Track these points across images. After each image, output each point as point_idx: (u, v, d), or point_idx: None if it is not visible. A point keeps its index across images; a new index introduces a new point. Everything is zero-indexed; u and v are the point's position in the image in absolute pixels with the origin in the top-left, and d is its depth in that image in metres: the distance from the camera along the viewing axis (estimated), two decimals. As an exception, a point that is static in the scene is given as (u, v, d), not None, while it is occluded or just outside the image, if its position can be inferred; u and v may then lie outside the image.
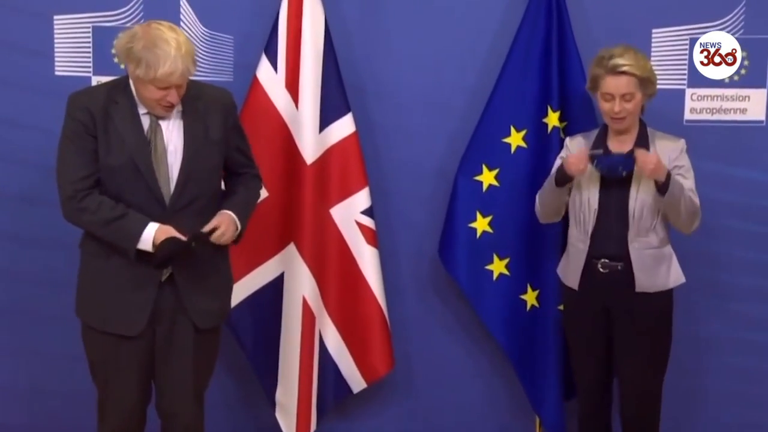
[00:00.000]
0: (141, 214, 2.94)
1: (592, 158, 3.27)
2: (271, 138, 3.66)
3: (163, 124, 2.99)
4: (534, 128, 3.70)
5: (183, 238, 2.91)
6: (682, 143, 3.38)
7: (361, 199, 3.74)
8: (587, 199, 3.36)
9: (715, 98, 3.76)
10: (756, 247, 3.82)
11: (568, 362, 3.67)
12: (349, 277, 3.76)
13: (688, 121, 3.77)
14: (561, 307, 3.67)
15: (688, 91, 3.77)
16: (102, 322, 3.01)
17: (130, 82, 2.98)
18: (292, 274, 3.73)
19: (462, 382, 3.98)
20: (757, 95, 3.75)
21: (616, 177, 3.28)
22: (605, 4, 3.75)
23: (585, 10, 3.72)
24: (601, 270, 3.34)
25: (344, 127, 3.71)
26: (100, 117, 2.94)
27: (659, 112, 3.65)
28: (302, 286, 3.71)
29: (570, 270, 3.45)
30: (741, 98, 3.75)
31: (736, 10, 3.71)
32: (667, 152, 3.33)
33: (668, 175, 3.21)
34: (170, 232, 2.91)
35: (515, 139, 3.71)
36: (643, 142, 3.35)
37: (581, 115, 3.69)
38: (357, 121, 3.71)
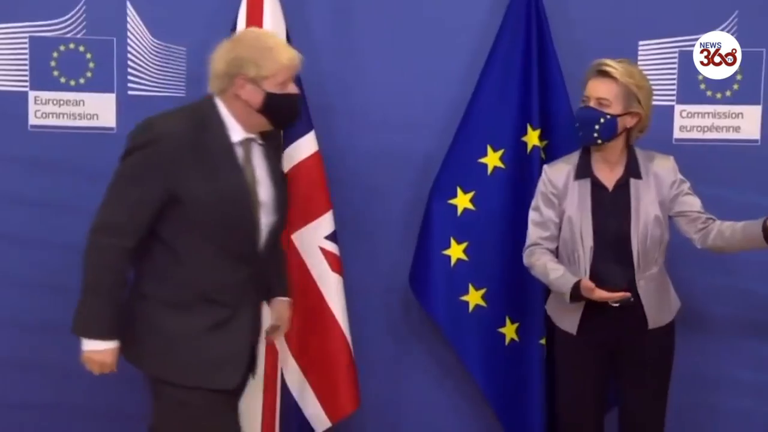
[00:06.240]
0: (230, 257, 2.72)
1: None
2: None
3: (254, 155, 2.78)
4: (513, 148, 3.51)
5: None
6: (673, 159, 3.20)
7: (325, 223, 3.54)
8: (580, 235, 3.13)
9: (707, 115, 3.60)
10: (752, 276, 3.62)
11: (552, 401, 3.44)
12: (313, 307, 3.55)
13: (677, 139, 3.60)
14: (543, 341, 3.47)
15: (678, 108, 3.60)
16: (201, 377, 2.73)
17: (219, 104, 2.73)
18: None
19: (437, 421, 3.78)
20: (751, 112, 3.59)
21: (589, 141, 3.09)
22: (589, 16, 3.59)
23: (568, 21, 3.56)
24: (612, 305, 3.07)
25: (306, 146, 3.51)
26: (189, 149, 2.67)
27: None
28: (265, 320, 3.43)
29: (565, 312, 3.20)
30: (734, 115, 3.59)
31: (727, 22, 3.55)
32: (665, 174, 3.15)
33: None
34: None
35: (492, 160, 3.52)
36: (634, 169, 3.14)
37: (564, 134, 3.48)
38: (324, 141, 3.53)
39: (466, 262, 3.53)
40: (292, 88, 2.75)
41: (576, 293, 3.05)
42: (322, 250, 3.53)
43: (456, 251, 3.54)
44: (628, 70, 3.10)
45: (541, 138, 3.49)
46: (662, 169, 3.16)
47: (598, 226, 3.11)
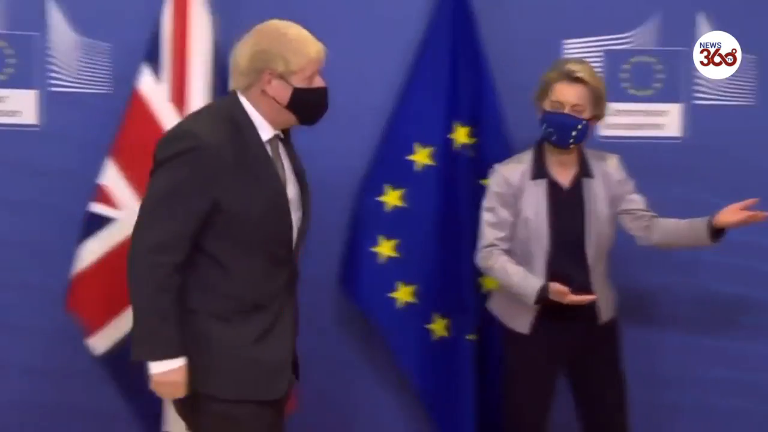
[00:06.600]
0: (271, 262, 2.61)
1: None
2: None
3: (280, 152, 2.68)
4: (442, 145, 3.51)
5: None
6: (618, 158, 3.26)
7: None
8: (536, 235, 3.14)
9: (631, 113, 3.64)
10: (677, 269, 3.65)
11: (487, 397, 3.48)
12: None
13: (602, 137, 3.61)
14: (471, 337, 3.48)
15: (603, 106, 3.62)
16: (250, 389, 2.60)
17: (244, 102, 2.61)
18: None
19: (375, 420, 3.76)
20: (673, 110, 3.64)
21: (562, 145, 3.11)
22: (514, 15, 3.59)
23: (495, 18, 3.55)
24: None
25: None
26: (230, 155, 2.54)
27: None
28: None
29: (517, 312, 3.19)
30: (657, 113, 3.64)
31: (648, 21, 3.60)
32: (613, 172, 3.22)
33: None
34: None
35: (421, 157, 3.52)
36: (586, 169, 3.19)
37: (493, 131, 3.52)
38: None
39: (398, 259, 3.52)
40: (319, 82, 2.64)
41: (543, 296, 3.06)
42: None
43: (385, 248, 3.53)
44: (593, 72, 3.15)
45: (470, 135, 3.50)
46: (610, 167, 3.21)
47: (555, 226, 3.13)
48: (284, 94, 2.59)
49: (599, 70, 3.57)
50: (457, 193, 3.47)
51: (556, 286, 3.03)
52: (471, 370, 3.49)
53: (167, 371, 2.54)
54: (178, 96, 3.37)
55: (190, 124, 2.60)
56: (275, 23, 2.65)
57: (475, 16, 3.48)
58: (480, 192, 3.48)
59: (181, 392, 2.57)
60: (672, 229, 3.16)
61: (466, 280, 3.45)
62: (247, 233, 2.56)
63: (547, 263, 3.13)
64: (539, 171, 3.17)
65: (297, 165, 2.72)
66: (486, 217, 3.20)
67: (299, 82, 2.59)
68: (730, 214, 3.03)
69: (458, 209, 3.46)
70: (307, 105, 2.63)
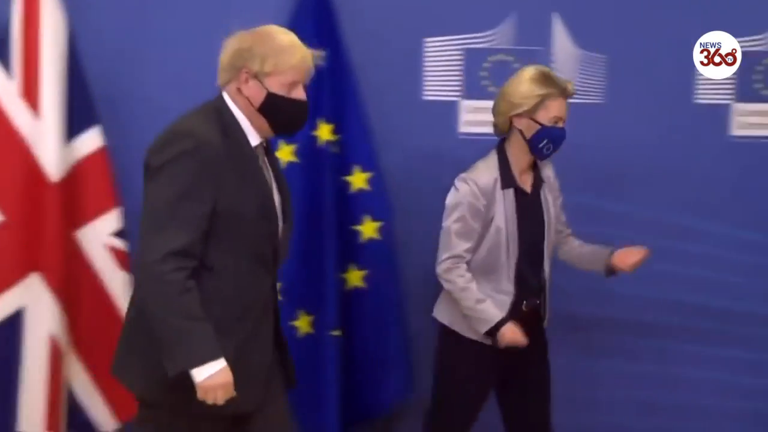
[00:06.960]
0: (259, 269, 2.54)
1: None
2: (5, 153, 3.31)
3: (265, 159, 2.61)
4: (305, 142, 3.50)
5: None
6: (551, 164, 3.30)
7: (111, 220, 3.43)
8: (506, 244, 3.13)
9: (489, 110, 3.65)
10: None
11: (350, 390, 3.54)
12: (99, 307, 3.44)
13: (461, 133, 3.69)
14: (335, 333, 3.50)
15: (463, 103, 3.69)
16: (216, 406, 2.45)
17: (229, 104, 2.53)
18: (36, 309, 3.35)
19: None
20: (530, 108, 3.72)
21: (548, 155, 3.16)
22: (375, 13, 3.62)
23: (355, 18, 3.57)
24: (524, 309, 3.15)
25: (92, 140, 3.40)
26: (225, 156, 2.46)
27: (432, 124, 3.60)
28: (48, 322, 3.35)
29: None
30: (515, 110, 3.71)
31: (505, 21, 3.67)
32: (553, 179, 3.28)
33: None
34: None
35: (285, 154, 3.51)
36: (539, 174, 3.23)
37: (356, 128, 3.54)
38: (113, 137, 3.40)
39: (261, 257, 3.52)
40: (299, 94, 2.56)
41: (495, 330, 3.07)
42: (109, 247, 3.43)
43: (250, 246, 3.52)
44: None
45: (333, 132, 3.50)
46: (550, 173, 3.26)
47: (523, 233, 3.14)
48: (258, 96, 2.53)
49: (459, 68, 3.64)
50: (320, 190, 3.47)
51: (512, 328, 3.07)
52: (335, 365, 3.51)
53: (213, 375, 2.41)
54: (30, 92, 3.29)
55: (184, 125, 2.49)
56: (271, 27, 2.60)
57: (336, 14, 3.50)
58: (344, 189, 3.52)
59: (231, 391, 2.45)
60: (576, 252, 3.32)
61: (329, 276, 3.47)
62: (239, 234, 2.49)
63: (515, 270, 3.14)
64: (508, 180, 3.15)
65: (278, 173, 2.67)
66: (455, 227, 3.11)
67: (276, 88, 2.53)
68: (622, 263, 3.20)
69: (322, 206, 3.47)
70: (281, 113, 2.56)
